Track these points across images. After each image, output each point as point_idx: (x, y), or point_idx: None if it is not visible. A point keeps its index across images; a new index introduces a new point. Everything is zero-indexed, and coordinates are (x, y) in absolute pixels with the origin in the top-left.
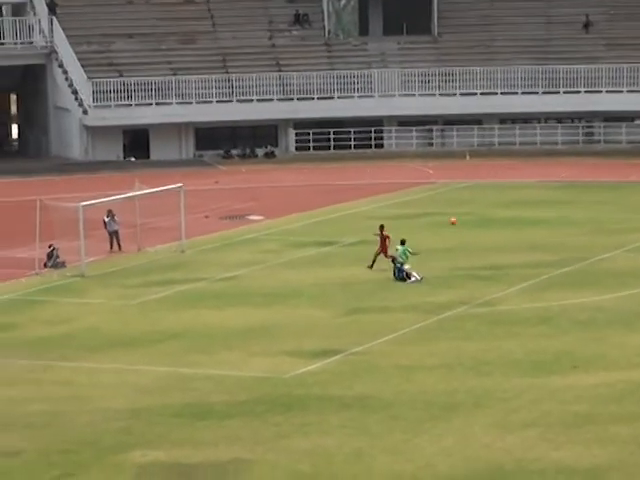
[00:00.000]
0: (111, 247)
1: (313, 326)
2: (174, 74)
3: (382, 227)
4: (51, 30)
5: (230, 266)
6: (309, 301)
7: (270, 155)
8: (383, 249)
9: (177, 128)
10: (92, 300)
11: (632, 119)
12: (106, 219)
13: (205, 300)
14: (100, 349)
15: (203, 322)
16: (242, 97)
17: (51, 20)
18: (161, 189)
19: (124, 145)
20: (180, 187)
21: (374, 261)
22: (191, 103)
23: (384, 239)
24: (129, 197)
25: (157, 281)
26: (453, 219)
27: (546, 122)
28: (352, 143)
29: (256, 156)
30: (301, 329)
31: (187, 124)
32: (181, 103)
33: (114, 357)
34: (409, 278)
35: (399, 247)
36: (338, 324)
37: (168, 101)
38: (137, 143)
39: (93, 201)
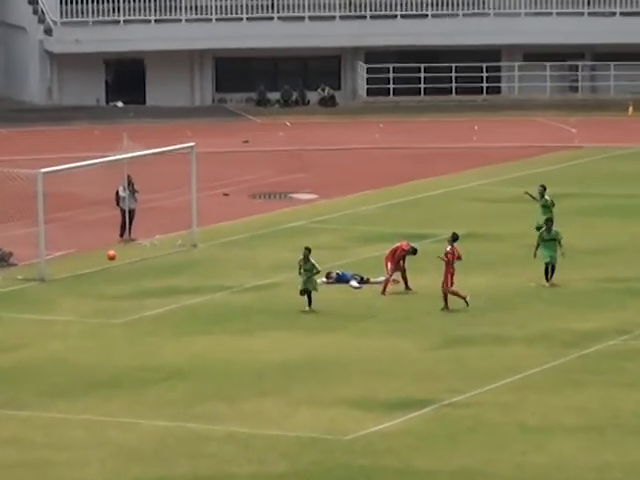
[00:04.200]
0: (122, 234)
1: (391, 362)
2: None
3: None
4: None
5: (264, 269)
6: (385, 325)
7: (328, 101)
8: None
9: (188, 58)
10: (56, 317)
11: None
12: (122, 192)
13: (225, 320)
14: (67, 392)
15: (222, 353)
16: (287, 13)
17: None
18: (163, 150)
19: (107, 83)
20: (191, 147)
21: None
22: (210, 21)
23: None
24: (114, 161)
25: (154, 290)
26: None
27: None
28: (453, 85)
29: (307, 103)
30: (372, 367)
31: (203, 52)
32: (193, 20)
33: (88, 404)
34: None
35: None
36: (429, 360)
37: (174, 17)
38: (126, 81)
39: (58, 167)
